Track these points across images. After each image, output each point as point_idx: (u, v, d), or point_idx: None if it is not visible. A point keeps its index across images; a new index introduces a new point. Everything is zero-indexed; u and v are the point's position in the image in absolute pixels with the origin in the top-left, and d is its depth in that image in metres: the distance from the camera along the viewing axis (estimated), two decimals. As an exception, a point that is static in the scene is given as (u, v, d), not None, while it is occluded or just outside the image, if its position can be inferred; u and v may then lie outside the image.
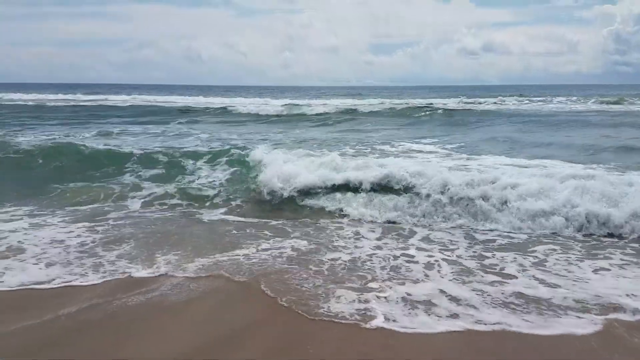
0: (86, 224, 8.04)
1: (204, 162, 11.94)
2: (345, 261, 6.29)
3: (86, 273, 5.95)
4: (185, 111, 33.25)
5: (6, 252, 6.64)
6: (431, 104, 39.64)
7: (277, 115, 30.50)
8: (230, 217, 8.66)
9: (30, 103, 41.45)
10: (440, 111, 31.12)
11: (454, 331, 4.56)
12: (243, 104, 40.25)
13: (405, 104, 38.27)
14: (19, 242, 7.00)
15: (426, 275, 5.82)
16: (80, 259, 6.41)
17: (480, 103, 44.11)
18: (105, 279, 5.76)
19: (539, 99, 51.14)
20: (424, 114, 30.23)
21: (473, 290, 5.41)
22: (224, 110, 33.66)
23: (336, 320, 4.69)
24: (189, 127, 22.94)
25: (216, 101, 47.41)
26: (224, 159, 11.94)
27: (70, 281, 5.71)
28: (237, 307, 5.09)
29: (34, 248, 6.74)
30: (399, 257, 6.47)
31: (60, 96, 55.21)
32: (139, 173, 11.39)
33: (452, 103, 46.72)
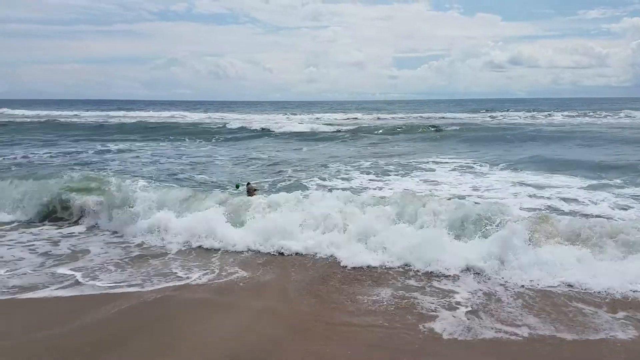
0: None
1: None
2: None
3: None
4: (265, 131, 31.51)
5: None
6: (457, 118, 38.85)
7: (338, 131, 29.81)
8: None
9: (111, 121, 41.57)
10: (473, 126, 30.20)
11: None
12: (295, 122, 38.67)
13: (428, 127, 35.93)
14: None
15: None
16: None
17: (512, 117, 42.85)
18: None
19: (571, 113, 49.56)
20: (452, 130, 29.56)
21: None
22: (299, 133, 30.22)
23: None
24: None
25: (259, 118, 46.76)
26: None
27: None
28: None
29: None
30: None
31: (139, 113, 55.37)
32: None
33: (479, 117, 45.80)
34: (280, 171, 15.05)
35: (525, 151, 19.35)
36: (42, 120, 41.08)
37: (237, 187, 10.45)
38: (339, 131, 29.49)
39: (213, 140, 26.57)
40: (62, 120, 41.80)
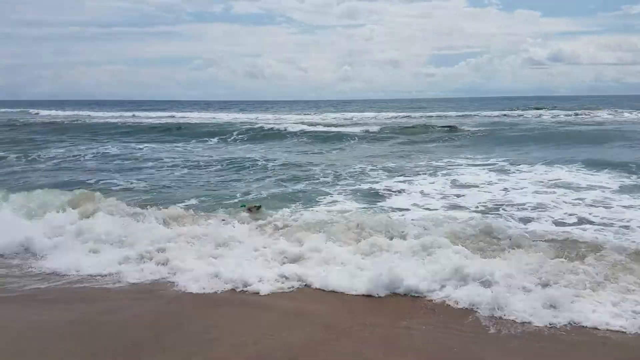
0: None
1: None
2: None
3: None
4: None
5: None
6: (495, 116, 37.77)
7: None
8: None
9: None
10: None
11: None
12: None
13: (460, 126, 33.89)
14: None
15: None
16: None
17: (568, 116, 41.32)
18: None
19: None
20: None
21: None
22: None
23: None
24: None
25: (292, 118, 46.72)
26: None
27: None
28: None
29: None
30: None
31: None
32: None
33: (517, 115, 44.53)
34: (294, 176, 14.55)
35: (566, 151, 18.60)
36: (74, 120, 42.26)
37: (243, 206, 9.80)
38: (367, 131, 28.89)
39: (230, 140, 26.79)
40: (92, 120, 42.91)
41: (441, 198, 11.06)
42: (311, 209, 9.96)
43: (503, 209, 9.85)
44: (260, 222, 8.65)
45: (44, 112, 59.01)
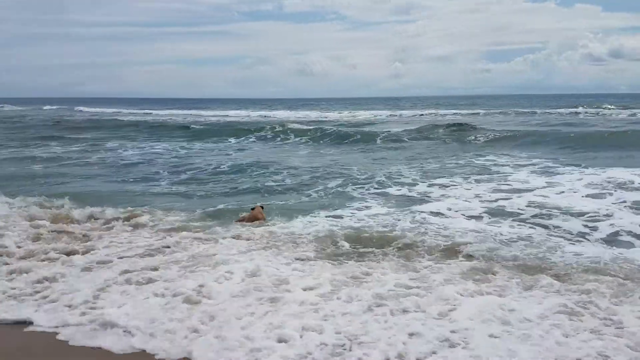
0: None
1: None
2: None
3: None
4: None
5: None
6: (551, 113, 35.52)
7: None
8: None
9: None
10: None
11: None
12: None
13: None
14: None
15: None
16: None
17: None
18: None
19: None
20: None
21: None
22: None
23: None
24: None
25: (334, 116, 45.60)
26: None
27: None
28: None
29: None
30: None
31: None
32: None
33: (577, 113, 41.95)
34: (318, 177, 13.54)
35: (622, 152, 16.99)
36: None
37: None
38: (409, 130, 27.26)
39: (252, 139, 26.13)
40: (151, 119, 43.57)
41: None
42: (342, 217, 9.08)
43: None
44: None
45: (120, 111, 60.41)
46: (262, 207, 9.00)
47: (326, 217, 8.91)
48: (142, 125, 34.64)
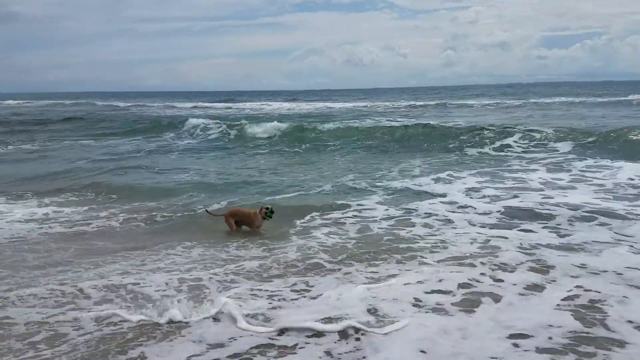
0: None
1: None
2: None
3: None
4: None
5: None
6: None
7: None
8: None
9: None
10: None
11: None
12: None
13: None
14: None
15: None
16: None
17: None
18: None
19: None
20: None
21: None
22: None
23: None
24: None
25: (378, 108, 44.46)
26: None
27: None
28: None
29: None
30: None
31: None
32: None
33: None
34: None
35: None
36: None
37: (271, 214, 7.99)
38: (458, 129, 21.25)
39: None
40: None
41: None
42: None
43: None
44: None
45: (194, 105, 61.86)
46: (269, 211, 7.93)
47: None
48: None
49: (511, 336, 4.46)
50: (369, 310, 4.99)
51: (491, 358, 4.16)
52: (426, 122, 22.90)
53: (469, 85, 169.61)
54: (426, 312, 4.98)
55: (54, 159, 18.04)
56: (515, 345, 4.33)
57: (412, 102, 51.31)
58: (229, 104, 60.26)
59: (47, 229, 8.55)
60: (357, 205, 9.58)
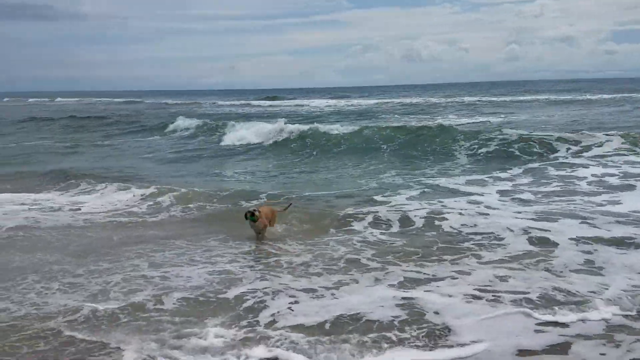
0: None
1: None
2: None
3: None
4: None
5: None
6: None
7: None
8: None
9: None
10: None
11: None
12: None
13: None
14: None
15: None
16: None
17: None
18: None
19: None
20: None
21: None
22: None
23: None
24: None
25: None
26: None
27: None
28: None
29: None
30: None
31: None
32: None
33: None
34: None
35: None
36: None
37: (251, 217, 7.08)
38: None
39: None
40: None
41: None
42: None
43: None
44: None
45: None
46: (249, 214, 7.02)
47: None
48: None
49: None
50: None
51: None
52: (485, 120, 20.59)
53: (533, 80, 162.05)
54: None
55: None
56: None
57: (472, 98, 48.56)
58: (276, 102, 59.45)
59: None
60: (398, 201, 8.93)
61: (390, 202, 8.90)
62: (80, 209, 9.12)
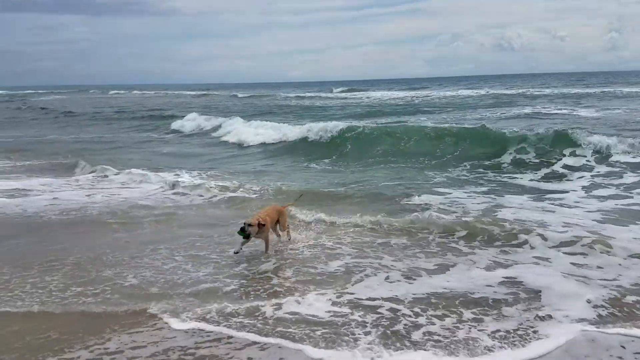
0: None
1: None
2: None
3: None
4: None
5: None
6: None
7: None
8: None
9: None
10: None
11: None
12: None
13: None
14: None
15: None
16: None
17: None
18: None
19: None
20: None
21: None
22: None
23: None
24: None
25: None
26: None
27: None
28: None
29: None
30: None
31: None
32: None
33: None
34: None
35: None
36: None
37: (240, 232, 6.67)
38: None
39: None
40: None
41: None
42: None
43: None
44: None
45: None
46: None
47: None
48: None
49: None
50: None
51: None
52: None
53: (636, 70, 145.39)
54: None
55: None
56: None
57: (569, 90, 44.07)
58: (345, 94, 57.95)
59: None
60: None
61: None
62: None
